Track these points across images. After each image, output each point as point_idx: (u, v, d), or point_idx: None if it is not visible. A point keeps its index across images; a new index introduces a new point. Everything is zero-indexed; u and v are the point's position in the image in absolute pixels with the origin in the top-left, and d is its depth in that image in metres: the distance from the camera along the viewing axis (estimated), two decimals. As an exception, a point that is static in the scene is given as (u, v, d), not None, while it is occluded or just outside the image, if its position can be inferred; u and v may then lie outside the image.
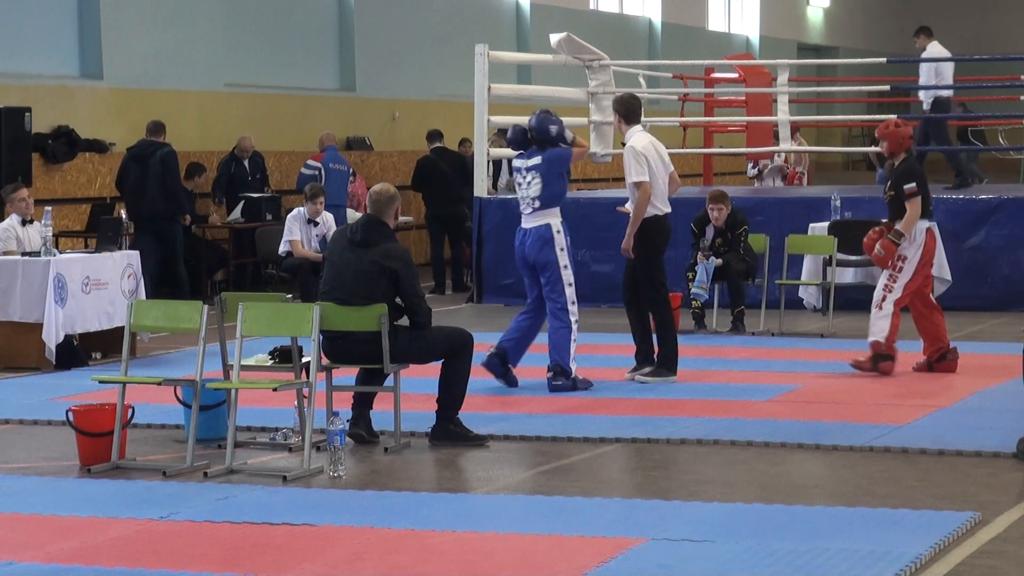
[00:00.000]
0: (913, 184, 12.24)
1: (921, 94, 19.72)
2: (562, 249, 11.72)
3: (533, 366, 12.22)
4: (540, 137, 11.80)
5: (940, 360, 12.59)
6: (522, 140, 11.92)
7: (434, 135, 20.88)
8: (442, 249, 20.24)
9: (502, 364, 11.86)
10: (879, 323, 12.39)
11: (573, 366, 11.73)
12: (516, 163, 11.92)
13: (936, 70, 19.46)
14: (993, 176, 32.24)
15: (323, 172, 19.55)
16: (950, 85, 19.56)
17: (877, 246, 12.38)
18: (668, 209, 12.14)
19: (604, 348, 14.18)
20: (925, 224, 12.37)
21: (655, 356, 12.18)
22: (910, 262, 12.34)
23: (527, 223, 11.83)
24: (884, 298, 12.41)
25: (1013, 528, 7.60)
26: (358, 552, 7.26)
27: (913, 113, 26.38)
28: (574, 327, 11.73)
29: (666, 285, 12.17)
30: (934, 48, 19.57)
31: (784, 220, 17.13)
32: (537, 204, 11.75)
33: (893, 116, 22.71)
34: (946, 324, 12.70)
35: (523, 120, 12.26)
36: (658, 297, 12.14)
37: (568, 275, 11.73)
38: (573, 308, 11.74)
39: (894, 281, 12.36)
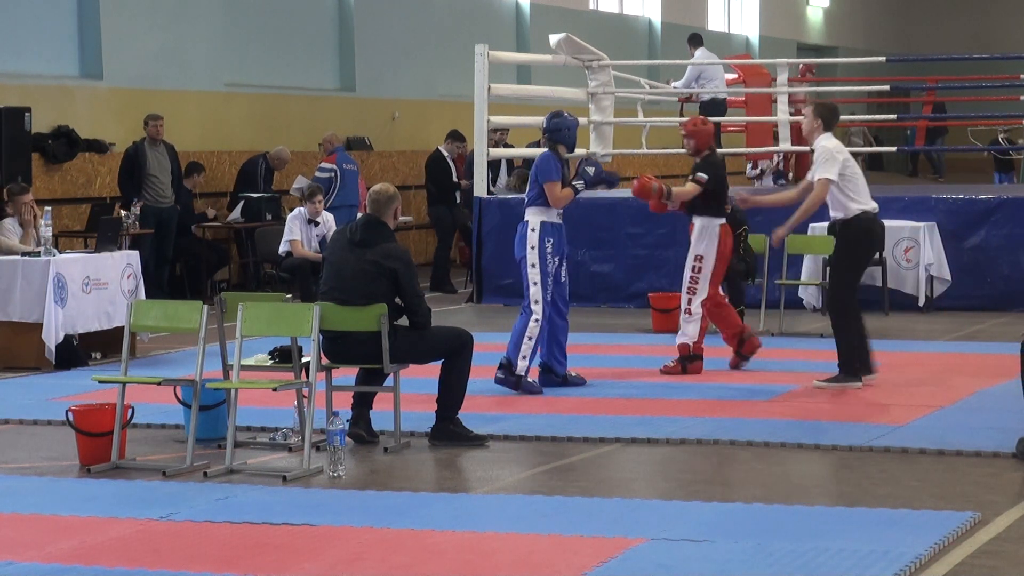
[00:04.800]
0: (704, 174, 12.39)
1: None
2: (533, 247, 11.70)
3: (532, 367, 12.17)
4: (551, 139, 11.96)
5: (743, 344, 12.74)
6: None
7: (447, 136, 20.95)
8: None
9: (554, 375, 11.86)
10: (689, 327, 12.49)
11: (523, 364, 11.62)
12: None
13: (705, 73, 21.42)
14: (993, 176, 32.29)
15: (338, 173, 19.50)
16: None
17: (652, 182, 12.39)
18: (875, 206, 11.83)
19: (603, 348, 14.19)
20: (719, 221, 12.52)
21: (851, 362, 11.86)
22: (707, 261, 12.49)
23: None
24: (690, 301, 12.53)
25: (1013, 528, 7.60)
26: (358, 552, 7.25)
27: (913, 113, 26.42)
28: (532, 326, 11.64)
29: (851, 292, 11.82)
30: (700, 53, 21.63)
31: (784, 220, 17.06)
32: (525, 201, 11.88)
33: (893, 116, 22.97)
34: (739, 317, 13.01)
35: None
36: (835, 299, 11.93)
37: (535, 274, 11.68)
38: (536, 308, 11.65)
39: (695, 283, 12.51)
